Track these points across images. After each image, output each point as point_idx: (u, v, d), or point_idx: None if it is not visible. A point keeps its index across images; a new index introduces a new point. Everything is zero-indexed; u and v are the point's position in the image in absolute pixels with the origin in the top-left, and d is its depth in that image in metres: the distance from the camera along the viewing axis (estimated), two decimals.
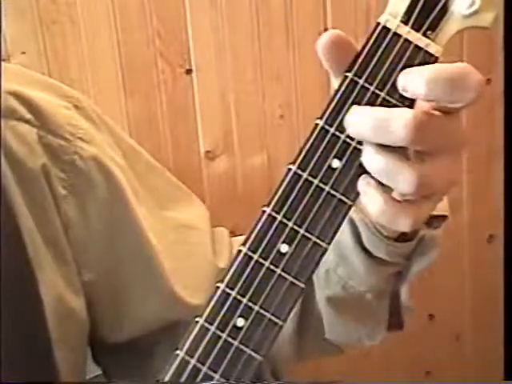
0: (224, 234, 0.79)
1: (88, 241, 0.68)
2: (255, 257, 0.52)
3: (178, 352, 0.52)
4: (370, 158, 0.50)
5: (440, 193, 0.52)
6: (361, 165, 0.51)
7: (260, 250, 0.52)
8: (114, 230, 0.69)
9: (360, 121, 0.50)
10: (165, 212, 0.74)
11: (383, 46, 0.51)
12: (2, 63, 0.67)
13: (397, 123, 0.48)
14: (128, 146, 0.74)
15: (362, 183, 0.51)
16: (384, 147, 0.49)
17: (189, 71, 1.32)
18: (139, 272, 0.70)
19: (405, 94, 0.50)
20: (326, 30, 1.30)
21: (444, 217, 0.63)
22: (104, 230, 0.68)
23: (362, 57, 0.51)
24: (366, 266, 0.64)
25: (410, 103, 0.51)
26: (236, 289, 0.52)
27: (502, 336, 1.20)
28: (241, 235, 0.76)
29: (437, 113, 0.49)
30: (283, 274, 0.52)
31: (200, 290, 0.71)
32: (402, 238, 0.61)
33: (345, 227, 0.63)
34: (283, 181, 0.52)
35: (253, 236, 0.52)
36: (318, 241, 0.52)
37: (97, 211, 0.68)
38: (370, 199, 0.50)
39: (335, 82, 0.52)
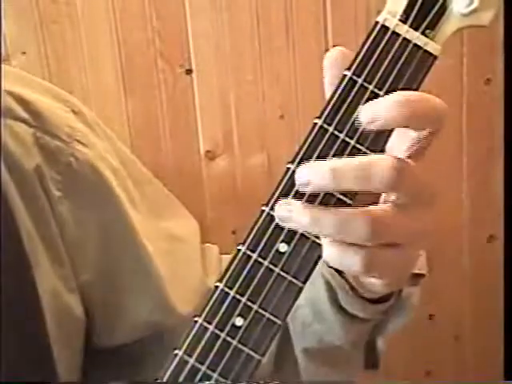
0: (214, 252, 0.78)
1: (83, 242, 0.68)
2: (254, 256, 0.52)
3: (176, 351, 0.52)
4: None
5: (411, 244, 0.51)
6: None
7: (259, 248, 0.52)
8: (107, 233, 0.69)
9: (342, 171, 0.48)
10: (158, 221, 0.74)
11: (382, 44, 0.51)
12: (2, 65, 0.67)
13: (378, 168, 0.47)
14: (124, 153, 0.74)
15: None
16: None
17: (189, 71, 1.31)
18: (134, 275, 0.70)
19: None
20: (325, 30, 1.30)
21: (422, 275, 0.62)
22: (98, 233, 0.68)
23: (360, 56, 0.51)
24: (343, 324, 0.63)
25: None
26: (235, 288, 0.52)
27: (501, 336, 1.19)
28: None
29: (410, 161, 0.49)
30: (282, 273, 0.52)
31: (190, 303, 0.70)
32: (379, 298, 0.61)
33: (321, 286, 0.62)
34: (282, 179, 0.52)
35: (252, 235, 0.52)
36: (317, 240, 0.52)
37: (90, 213, 0.68)
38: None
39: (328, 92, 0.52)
